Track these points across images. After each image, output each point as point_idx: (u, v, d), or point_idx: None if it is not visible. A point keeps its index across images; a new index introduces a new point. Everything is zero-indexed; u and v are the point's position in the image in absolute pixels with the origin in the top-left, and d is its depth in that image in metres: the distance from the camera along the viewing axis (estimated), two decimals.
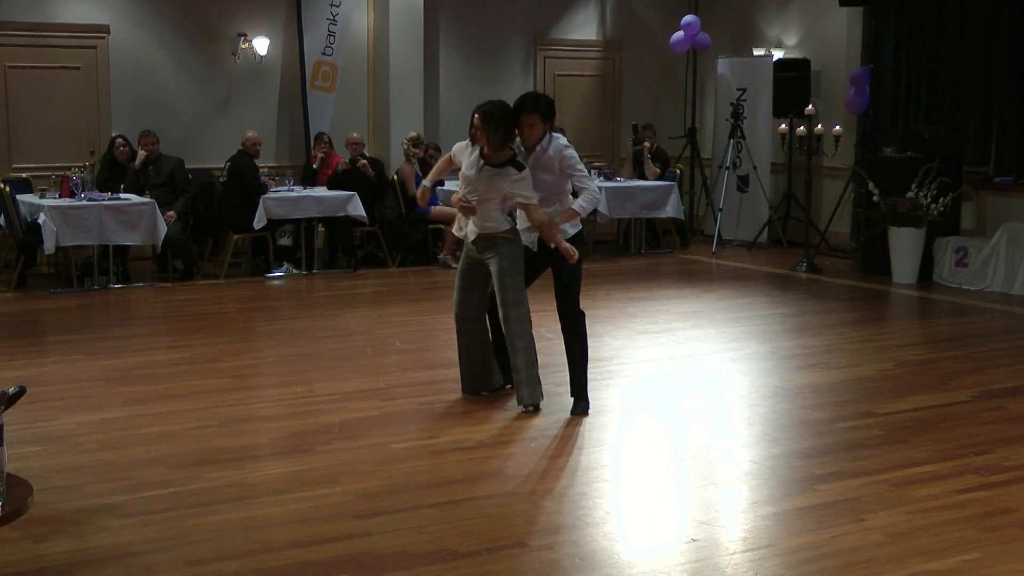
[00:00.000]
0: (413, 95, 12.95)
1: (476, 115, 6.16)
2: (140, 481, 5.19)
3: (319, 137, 12.24)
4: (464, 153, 6.35)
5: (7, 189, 10.47)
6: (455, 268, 6.37)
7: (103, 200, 10.32)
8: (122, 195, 10.57)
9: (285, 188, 11.34)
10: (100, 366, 7.50)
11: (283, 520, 4.73)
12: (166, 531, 4.58)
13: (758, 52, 14.00)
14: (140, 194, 10.76)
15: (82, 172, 10.70)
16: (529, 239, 6.34)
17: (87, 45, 11.91)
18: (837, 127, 12.01)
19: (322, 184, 11.84)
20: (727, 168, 13.61)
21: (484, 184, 6.16)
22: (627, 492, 5.18)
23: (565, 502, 5.00)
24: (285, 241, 11.46)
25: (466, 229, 6.34)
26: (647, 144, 13.08)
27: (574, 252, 6.15)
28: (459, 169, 6.36)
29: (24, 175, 11.35)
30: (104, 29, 11.97)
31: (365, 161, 11.79)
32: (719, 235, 13.43)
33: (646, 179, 12.99)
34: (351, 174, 11.71)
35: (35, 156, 11.70)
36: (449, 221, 10.42)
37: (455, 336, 6.62)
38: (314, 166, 12.07)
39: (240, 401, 6.66)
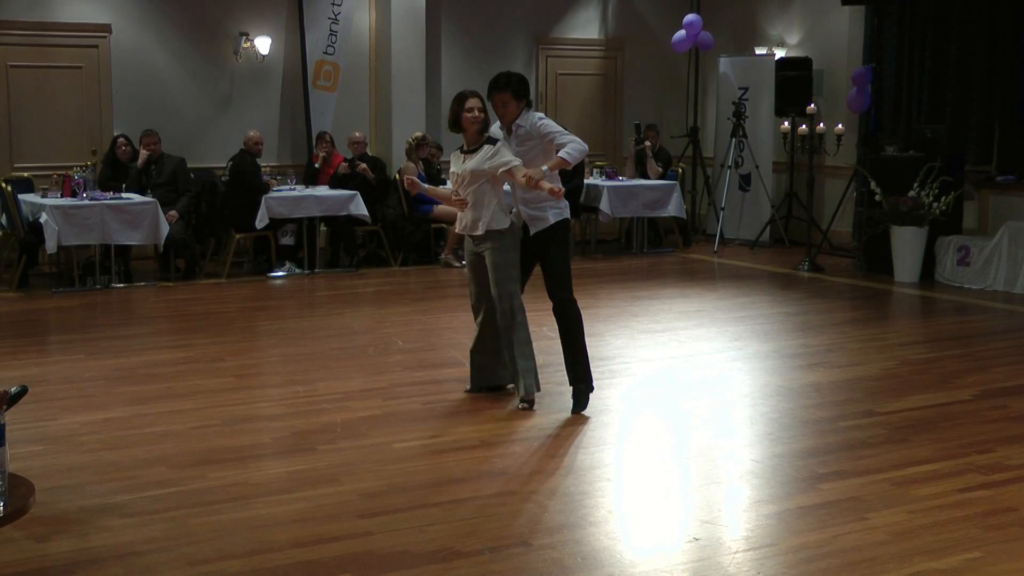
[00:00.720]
0: (415, 94, 12.95)
1: (474, 99, 6.38)
2: (142, 481, 5.19)
3: (321, 136, 12.24)
4: (450, 163, 6.56)
5: (9, 189, 10.48)
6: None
7: (105, 200, 10.32)
8: (124, 194, 10.57)
9: (287, 187, 11.34)
10: (102, 366, 7.50)
11: (285, 520, 4.73)
12: (168, 531, 4.58)
13: (760, 51, 14.00)
14: (142, 194, 10.76)
15: (84, 171, 10.71)
16: (516, 218, 6.42)
17: (89, 44, 11.92)
18: (839, 126, 12.00)
19: (324, 183, 11.85)
20: (729, 167, 13.61)
21: (469, 172, 6.31)
22: (629, 491, 5.17)
23: (567, 501, 4.99)
24: (287, 240, 11.46)
25: (466, 221, 6.40)
26: (648, 143, 13.08)
27: (547, 184, 6.12)
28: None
29: (26, 174, 11.36)
30: (106, 28, 11.98)
31: (364, 164, 11.78)
32: (721, 234, 13.43)
33: (648, 178, 12.99)
34: (351, 176, 11.71)
35: (37, 155, 11.71)
36: (451, 220, 10.43)
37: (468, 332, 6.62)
38: (316, 165, 12.07)
39: (242, 400, 6.66)
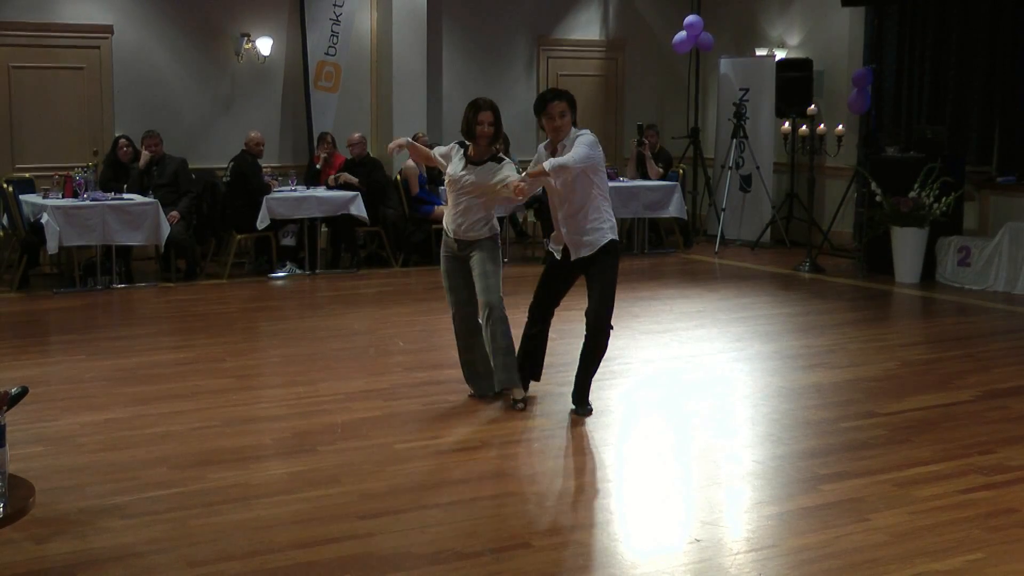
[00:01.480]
0: (416, 95, 12.95)
1: (487, 111, 6.26)
2: (143, 482, 5.19)
3: (322, 137, 12.23)
4: (448, 155, 6.47)
5: (10, 189, 10.48)
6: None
7: (106, 200, 10.32)
8: (125, 195, 10.57)
9: (288, 188, 11.34)
10: (103, 366, 7.50)
11: (286, 521, 4.73)
12: (168, 532, 4.58)
13: (760, 52, 13.99)
14: (144, 194, 10.76)
15: (85, 172, 10.71)
16: (554, 248, 6.35)
17: (91, 45, 11.92)
18: (840, 127, 11.99)
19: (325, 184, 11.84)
20: (730, 168, 13.61)
21: (470, 183, 6.28)
22: (630, 492, 5.17)
23: (568, 502, 4.99)
24: (288, 241, 11.46)
25: (454, 226, 6.38)
26: (647, 143, 13.07)
27: (523, 186, 5.95)
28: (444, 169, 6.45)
29: (27, 175, 11.35)
30: (107, 29, 11.98)
31: (346, 175, 11.60)
32: (722, 235, 13.43)
33: (649, 179, 12.99)
34: (342, 187, 11.57)
35: (38, 156, 11.71)
36: None
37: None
38: (317, 166, 12.06)
39: (243, 401, 6.66)
